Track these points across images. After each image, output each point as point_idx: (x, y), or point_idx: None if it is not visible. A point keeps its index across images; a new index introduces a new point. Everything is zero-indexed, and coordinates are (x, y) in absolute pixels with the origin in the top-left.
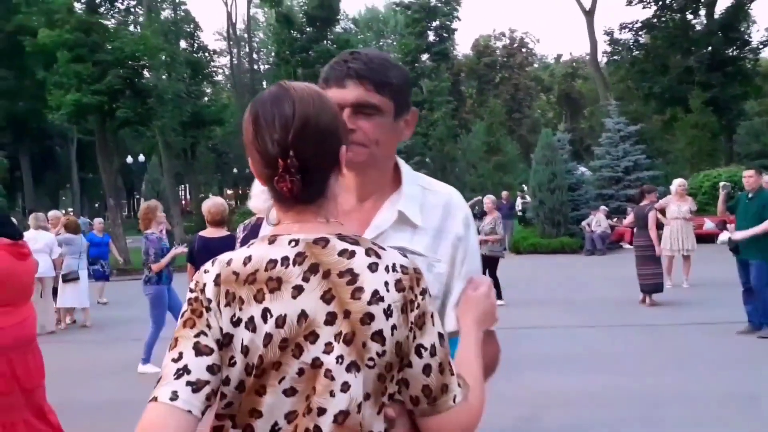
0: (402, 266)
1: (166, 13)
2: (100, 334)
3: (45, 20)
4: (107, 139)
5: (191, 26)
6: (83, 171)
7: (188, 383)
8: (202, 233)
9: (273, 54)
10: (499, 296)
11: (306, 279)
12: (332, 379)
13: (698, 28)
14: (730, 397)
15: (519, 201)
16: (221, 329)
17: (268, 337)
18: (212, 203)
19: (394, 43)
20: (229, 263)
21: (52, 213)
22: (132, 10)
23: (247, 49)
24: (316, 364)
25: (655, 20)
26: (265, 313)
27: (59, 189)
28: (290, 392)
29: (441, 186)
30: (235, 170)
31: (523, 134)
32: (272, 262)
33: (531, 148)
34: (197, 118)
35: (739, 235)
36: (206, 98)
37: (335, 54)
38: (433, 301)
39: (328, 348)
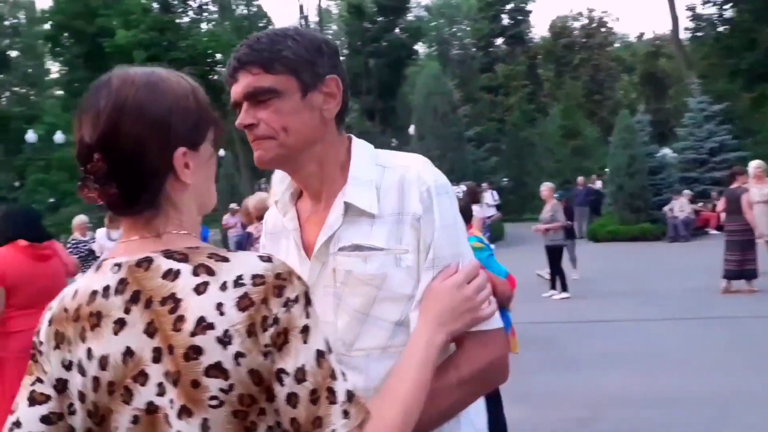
0: (255, 276)
1: (239, 10)
2: None
3: (122, 21)
4: None
5: (264, 21)
6: None
7: None
8: (249, 228)
9: (345, 45)
10: (563, 288)
11: (128, 311)
12: (170, 426)
13: None
14: None
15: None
16: (54, 374)
17: (96, 381)
18: (255, 199)
19: (468, 29)
20: (62, 299)
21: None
22: (205, 7)
23: None
24: (151, 409)
25: None
26: (90, 354)
27: None
28: None
29: (400, 159)
30: None
31: (605, 116)
32: (93, 294)
33: (613, 130)
34: None
35: None
36: None
37: (407, 43)
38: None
39: (161, 389)
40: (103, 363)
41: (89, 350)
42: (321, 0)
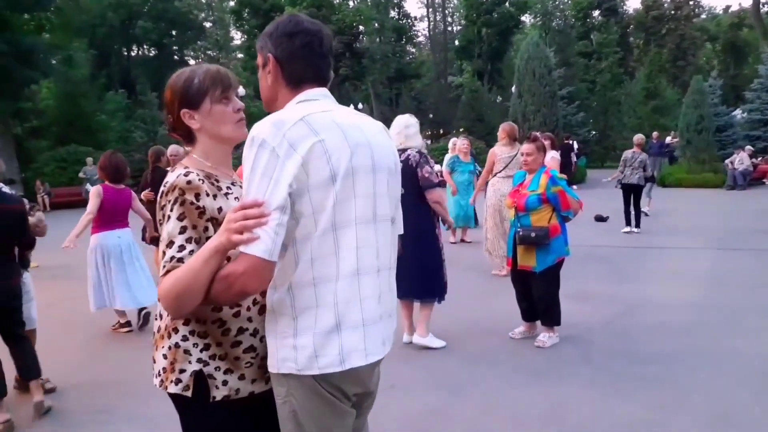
0: (169, 183)
1: None
2: None
3: (289, 0)
4: (333, 91)
5: None
6: None
7: None
8: None
9: (463, 17)
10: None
11: None
12: None
13: None
14: None
15: (669, 140)
16: None
17: None
18: None
19: (569, 2)
20: None
21: None
22: None
23: (442, 14)
24: None
25: None
26: None
27: None
28: None
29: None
30: (431, 115)
31: (687, 80)
32: None
33: None
34: (401, 74)
35: None
36: (408, 57)
37: (514, 14)
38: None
39: None
40: None
41: None
42: None
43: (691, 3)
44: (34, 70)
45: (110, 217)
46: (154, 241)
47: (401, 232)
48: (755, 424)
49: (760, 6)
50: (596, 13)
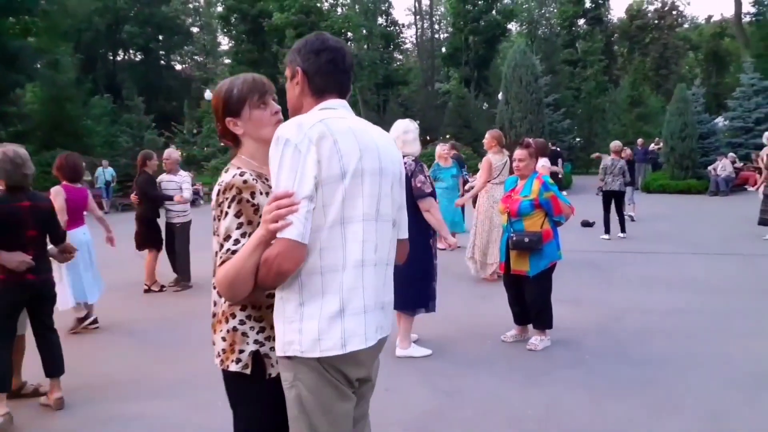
0: (222, 182)
1: None
2: None
3: (277, 6)
4: None
5: (386, 5)
6: None
7: None
8: None
9: (450, 24)
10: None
11: None
12: None
13: None
14: None
15: (653, 147)
16: None
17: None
18: None
19: (554, 10)
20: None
21: None
22: None
23: (430, 22)
24: None
25: None
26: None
27: None
28: None
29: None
30: (418, 122)
31: (669, 88)
32: None
33: None
34: (388, 80)
35: None
36: (396, 64)
37: (501, 22)
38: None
39: None
40: None
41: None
42: None
43: (674, 13)
44: (19, 73)
45: (74, 215)
46: (142, 246)
47: (405, 236)
48: (746, 424)
49: (742, 16)
50: (581, 21)
